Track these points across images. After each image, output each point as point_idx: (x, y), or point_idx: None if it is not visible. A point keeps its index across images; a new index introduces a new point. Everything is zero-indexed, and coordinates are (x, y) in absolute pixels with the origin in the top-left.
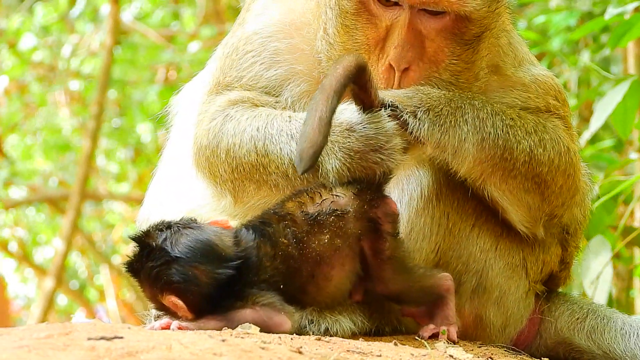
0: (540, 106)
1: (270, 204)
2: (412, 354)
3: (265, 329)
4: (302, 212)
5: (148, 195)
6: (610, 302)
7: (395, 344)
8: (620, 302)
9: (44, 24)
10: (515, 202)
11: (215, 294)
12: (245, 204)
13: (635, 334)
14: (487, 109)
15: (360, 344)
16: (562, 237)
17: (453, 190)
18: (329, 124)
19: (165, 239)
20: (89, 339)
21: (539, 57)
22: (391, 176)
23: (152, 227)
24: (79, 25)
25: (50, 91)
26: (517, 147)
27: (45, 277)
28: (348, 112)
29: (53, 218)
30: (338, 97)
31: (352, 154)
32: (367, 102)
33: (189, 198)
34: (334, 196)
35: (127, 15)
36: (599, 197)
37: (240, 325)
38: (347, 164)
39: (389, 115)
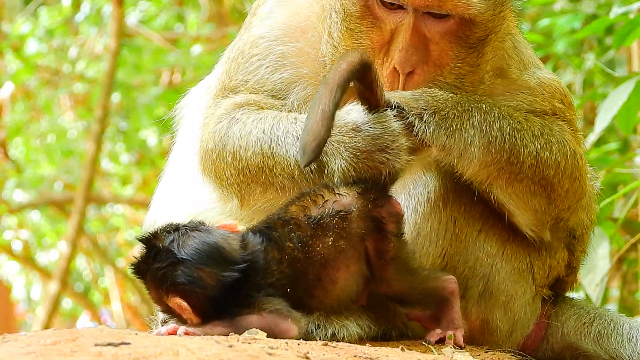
0: (547, 109)
1: (276, 207)
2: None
3: (272, 335)
4: (305, 215)
5: (154, 199)
6: (605, 300)
7: (402, 349)
8: (626, 304)
9: (49, 28)
10: (522, 206)
11: (220, 296)
12: (251, 207)
13: None
14: (494, 113)
15: (367, 349)
16: (568, 241)
17: (460, 195)
18: (332, 117)
19: (172, 241)
20: (96, 345)
21: (544, 60)
22: (397, 177)
23: (160, 229)
24: (83, 29)
25: (55, 96)
26: (523, 151)
27: (50, 280)
28: (354, 112)
29: (58, 221)
30: (341, 91)
31: (358, 153)
32: (373, 101)
33: (195, 202)
34: (337, 195)
35: (132, 19)
36: (601, 192)
37: (247, 331)
38: (353, 164)
39: (394, 116)
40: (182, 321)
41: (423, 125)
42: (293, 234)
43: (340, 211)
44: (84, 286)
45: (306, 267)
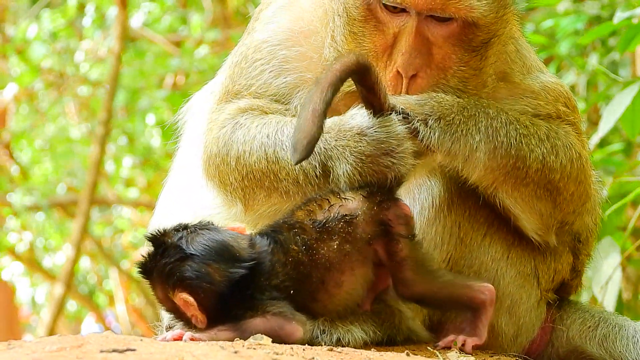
0: (551, 113)
1: (280, 211)
2: None
3: (277, 338)
4: (311, 219)
5: (159, 204)
6: (620, 306)
7: (408, 354)
8: (630, 306)
9: (53, 31)
10: (527, 210)
11: (226, 294)
12: (255, 212)
13: None
14: (501, 118)
15: (373, 354)
16: (573, 245)
17: (464, 200)
18: (323, 115)
19: (181, 238)
20: (102, 351)
21: (547, 61)
22: (403, 181)
23: (169, 228)
24: (86, 31)
25: (59, 99)
26: (530, 156)
27: (54, 283)
28: (359, 116)
29: (62, 223)
30: (333, 90)
31: (363, 158)
32: (377, 105)
33: (199, 207)
34: (343, 199)
35: (136, 21)
36: (608, 200)
37: (252, 336)
38: (359, 168)
39: (399, 121)
40: (187, 323)
41: (428, 131)
42: (298, 237)
43: (346, 215)
44: (89, 288)
45: (310, 270)
